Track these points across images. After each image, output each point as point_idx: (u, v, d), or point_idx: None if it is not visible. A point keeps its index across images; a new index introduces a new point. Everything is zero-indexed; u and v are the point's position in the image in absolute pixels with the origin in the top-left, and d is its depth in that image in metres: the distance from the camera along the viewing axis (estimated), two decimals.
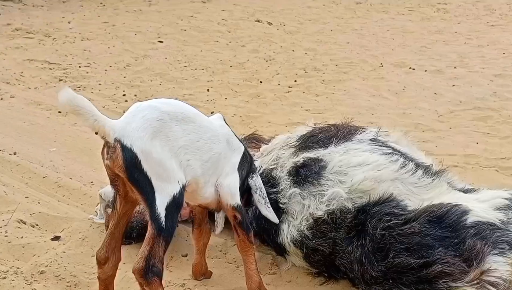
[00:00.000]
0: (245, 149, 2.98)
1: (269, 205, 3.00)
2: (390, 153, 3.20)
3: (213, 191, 2.75)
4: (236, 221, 2.82)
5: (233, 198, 2.78)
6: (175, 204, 2.44)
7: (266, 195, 3.01)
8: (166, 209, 2.40)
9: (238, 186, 2.81)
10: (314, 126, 3.63)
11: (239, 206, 2.81)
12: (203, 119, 2.67)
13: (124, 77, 7.48)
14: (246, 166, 2.95)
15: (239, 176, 2.84)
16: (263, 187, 3.02)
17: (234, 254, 3.40)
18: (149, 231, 2.42)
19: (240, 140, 2.99)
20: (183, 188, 2.48)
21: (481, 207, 2.95)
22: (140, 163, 2.36)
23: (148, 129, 2.40)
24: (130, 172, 2.38)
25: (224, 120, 2.93)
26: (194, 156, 2.56)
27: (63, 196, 4.17)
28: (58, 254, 3.31)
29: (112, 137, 2.37)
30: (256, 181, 2.99)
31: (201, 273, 3.14)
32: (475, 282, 2.71)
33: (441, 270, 2.73)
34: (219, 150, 2.71)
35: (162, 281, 2.46)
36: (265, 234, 3.33)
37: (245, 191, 2.99)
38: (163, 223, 2.40)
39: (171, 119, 2.47)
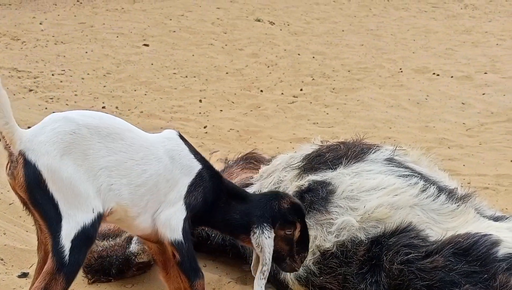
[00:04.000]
0: (205, 169, 2.74)
1: (265, 277, 2.77)
2: (408, 175, 3.21)
3: (150, 222, 2.62)
4: (176, 262, 2.65)
5: (173, 231, 2.60)
6: (85, 236, 2.34)
7: (267, 263, 2.75)
8: (72, 241, 2.31)
9: (183, 217, 2.62)
10: (321, 144, 3.65)
11: (180, 242, 2.61)
12: (135, 136, 2.57)
13: (104, 86, 7.53)
14: (207, 189, 2.72)
15: (191, 203, 2.65)
16: (268, 252, 2.74)
17: None
18: (48, 264, 2.34)
19: (200, 159, 2.76)
20: (99, 218, 2.39)
21: None
22: (44, 183, 2.30)
23: (58, 143, 2.33)
24: (32, 193, 2.31)
25: (181, 136, 2.75)
26: (120, 180, 2.47)
27: (33, 225, 4.17)
28: None
29: (17, 149, 2.33)
30: (260, 238, 2.75)
31: None
32: None
33: None
34: (157, 172, 2.58)
35: None
36: None
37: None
38: (67, 257, 2.31)
39: (91, 134, 2.41)
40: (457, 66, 8.85)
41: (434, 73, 8.49)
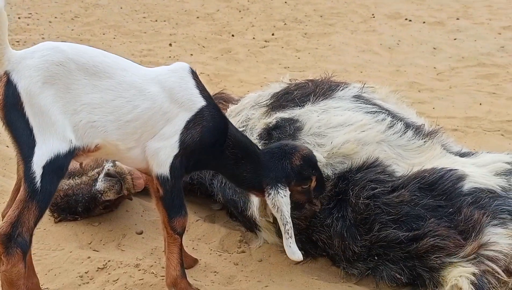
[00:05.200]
0: (209, 107, 2.63)
1: (291, 235, 2.69)
2: (376, 111, 3.20)
3: (143, 155, 2.59)
4: (159, 196, 2.63)
5: (160, 166, 2.57)
6: (57, 165, 2.32)
7: (288, 221, 2.69)
8: (44, 167, 2.29)
9: (174, 153, 2.56)
10: (289, 83, 3.62)
11: (165, 178, 2.57)
12: (126, 74, 2.52)
13: (72, 30, 7.39)
14: (207, 130, 2.61)
15: (185, 141, 2.57)
16: (286, 211, 2.69)
17: (197, 230, 3.41)
18: (21, 192, 2.34)
19: (205, 96, 2.65)
20: (73, 150, 2.37)
21: (479, 172, 2.97)
22: (22, 106, 2.30)
23: (42, 71, 2.33)
24: (8, 113, 2.31)
25: (191, 70, 2.67)
26: (106, 117, 2.45)
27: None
28: None
29: (4, 69, 2.32)
30: (276, 198, 2.70)
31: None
32: (472, 257, 2.73)
33: (433, 244, 2.75)
34: (152, 106, 2.53)
35: (26, 258, 2.35)
36: (233, 206, 3.33)
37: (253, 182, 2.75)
38: (38, 184, 2.29)
39: (79, 70, 2.40)
40: (430, 12, 8.82)
41: (406, 19, 8.46)
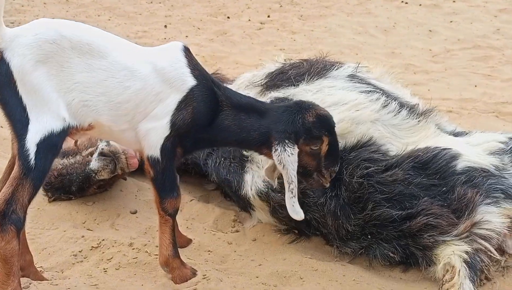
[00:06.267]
0: (200, 86, 2.56)
1: (294, 195, 2.60)
2: (370, 91, 3.18)
3: (134, 135, 2.57)
4: (150, 177, 2.61)
5: (151, 148, 2.55)
6: (51, 142, 2.32)
7: (293, 180, 2.58)
8: (37, 145, 2.29)
9: (165, 135, 2.52)
10: (284, 62, 3.60)
11: (156, 159, 2.55)
12: (119, 55, 2.48)
13: (67, 11, 7.36)
14: (198, 110, 2.55)
15: (176, 123, 2.52)
16: (292, 169, 2.58)
17: (191, 210, 3.42)
18: (15, 169, 2.34)
19: (197, 75, 2.56)
20: (66, 128, 2.37)
21: (473, 151, 2.97)
22: (15, 84, 2.30)
23: (35, 49, 2.31)
24: (1, 90, 2.31)
25: (184, 48, 2.60)
26: (97, 97, 2.44)
27: None
28: None
29: (4, 44, 2.30)
30: (282, 155, 2.58)
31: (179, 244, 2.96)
32: (464, 235, 2.74)
33: (426, 223, 2.76)
34: (143, 87, 2.49)
35: (20, 235, 2.34)
36: (227, 186, 3.33)
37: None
38: (32, 161, 2.29)
39: (72, 48, 2.38)
40: None
41: (402, 1, 8.44)
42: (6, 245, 2.30)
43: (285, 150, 2.56)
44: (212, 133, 2.64)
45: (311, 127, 2.61)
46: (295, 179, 2.58)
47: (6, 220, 2.29)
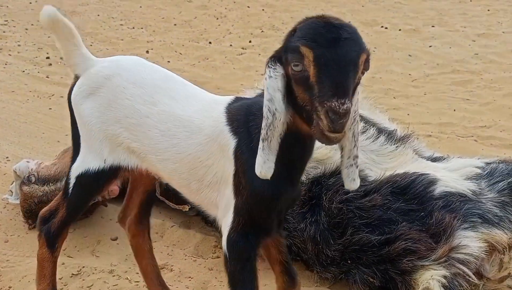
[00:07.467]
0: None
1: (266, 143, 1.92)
2: None
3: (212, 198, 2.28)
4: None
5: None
6: (89, 181, 2.29)
7: (276, 108, 1.90)
8: (77, 178, 2.30)
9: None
10: (263, 90, 3.63)
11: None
12: (171, 103, 2.19)
13: (48, 37, 7.35)
14: None
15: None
16: (268, 98, 1.90)
17: (172, 236, 3.42)
18: (62, 189, 2.44)
19: None
20: (109, 171, 2.28)
21: (450, 176, 3.01)
22: (73, 112, 2.33)
23: (91, 82, 2.26)
24: (71, 112, 2.35)
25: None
26: (143, 147, 2.25)
27: None
28: None
29: (75, 71, 2.31)
30: (264, 80, 1.93)
31: None
32: (443, 259, 2.76)
33: (405, 247, 2.78)
34: (190, 148, 2.19)
35: (53, 252, 2.42)
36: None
37: None
38: (70, 191, 2.33)
39: (124, 87, 2.24)
40: (405, 20, 8.89)
41: (382, 26, 8.52)
42: (39, 249, 2.45)
43: (265, 72, 1.92)
44: None
45: (289, 38, 1.88)
46: (269, 114, 1.89)
47: (43, 228, 2.41)
